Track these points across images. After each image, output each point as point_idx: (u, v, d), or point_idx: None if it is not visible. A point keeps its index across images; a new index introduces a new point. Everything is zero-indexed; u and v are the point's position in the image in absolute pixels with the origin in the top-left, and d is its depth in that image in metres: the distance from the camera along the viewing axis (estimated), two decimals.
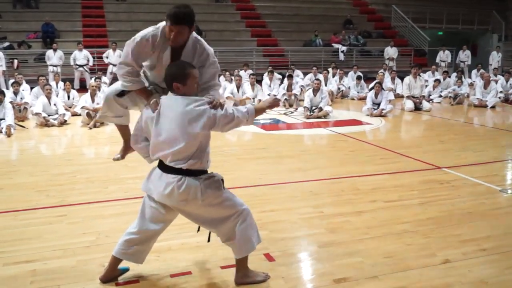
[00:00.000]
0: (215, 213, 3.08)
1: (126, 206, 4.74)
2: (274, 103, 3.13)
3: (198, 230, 3.29)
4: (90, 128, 9.13)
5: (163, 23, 3.09)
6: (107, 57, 16.09)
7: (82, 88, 14.17)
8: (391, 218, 4.50)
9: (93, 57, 15.92)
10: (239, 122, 2.97)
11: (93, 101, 9.75)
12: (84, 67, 15.50)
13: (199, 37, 3.21)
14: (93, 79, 12.57)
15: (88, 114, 9.42)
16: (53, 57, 15.10)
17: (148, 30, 3.09)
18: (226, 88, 12.83)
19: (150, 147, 3.04)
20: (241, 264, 3.22)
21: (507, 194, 5.28)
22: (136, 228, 3.13)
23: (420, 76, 12.52)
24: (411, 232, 4.16)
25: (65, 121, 9.58)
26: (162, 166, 3.00)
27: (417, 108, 11.84)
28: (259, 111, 3.09)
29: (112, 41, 16.64)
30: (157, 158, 3.02)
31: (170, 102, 2.93)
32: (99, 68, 15.59)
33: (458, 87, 13.93)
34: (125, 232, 3.19)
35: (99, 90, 10.59)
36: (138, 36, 3.06)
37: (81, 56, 15.39)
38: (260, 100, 11.29)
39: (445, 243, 3.92)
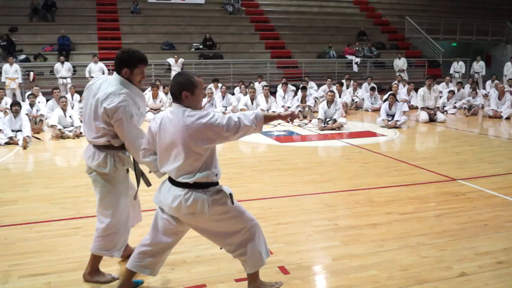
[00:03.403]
0: (223, 227, 3.06)
1: None
2: (289, 115, 3.08)
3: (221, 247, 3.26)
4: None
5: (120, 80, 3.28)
6: None
7: None
8: (406, 230, 4.46)
9: (108, 70, 16.07)
10: (247, 130, 2.90)
11: None
12: None
13: None
14: None
15: None
16: (62, 69, 15.22)
17: (121, 97, 3.20)
18: (240, 100, 12.89)
19: (158, 161, 3.04)
20: (252, 278, 3.22)
21: None
22: (149, 240, 3.13)
23: (434, 87, 12.45)
24: (427, 244, 4.13)
25: (81, 133, 9.61)
26: (171, 179, 2.99)
27: (432, 119, 11.77)
28: (269, 118, 3.05)
29: None
30: (165, 172, 3.02)
31: (173, 116, 2.91)
32: None
33: (473, 98, 13.83)
34: (138, 244, 3.19)
35: None
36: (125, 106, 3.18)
37: (97, 68, 15.56)
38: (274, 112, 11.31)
39: (461, 256, 3.89)
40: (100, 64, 15.69)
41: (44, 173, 6.89)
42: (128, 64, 3.27)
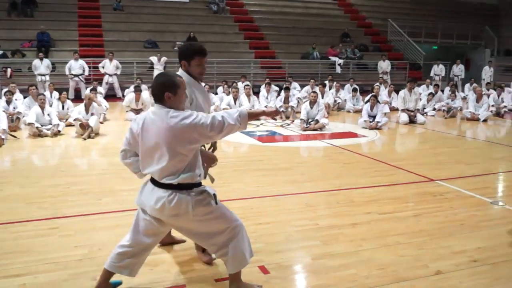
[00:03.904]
0: (207, 228, 3.06)
1: (120, 218, 4.72)
2: (272, 113, 3.07)
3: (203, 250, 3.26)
4: (84, 139, 9.03)
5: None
6: (103, 67, 16.10)
7: (77, 98, 14.16)
8: (385, 230, 4.52)
9: (89, 67, 15.93)
10: (232, 128, 2.89)
11: (87, 112, 9.73)
12: (80, 76, 15.50)
13: None
14: (88, 89, 12.56)
15: (81, 125, 9.32)
16: (40, 66, 14.99)
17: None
18: (223, 99, 12.89)
19: (140, 163, 3.01)
20: (234, 278, 3.21)
21: (498, 206, 5.32)
22: (130, 241, 3.10)
23: (415, 89, 12.61)
24: (405, 243, 4.19)
25: (59, 131, 9.50)
26: (154, 180, 2.97)
27: (412, 121, 11.91)
28: (254, 115, 3.03)
29: (108, 51, 16.68)
30: (147, 173, 3.01)
31: (155, 117, 2.88)
32: (95, 78, 15.60)
33: (452, 100, 14.03)
34: (117, 245, 3.16)
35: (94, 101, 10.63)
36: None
37: (77, 65, 15.39)
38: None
39: (438, 255, 3.95)
40: (81, 61, 15.54)
41: (20, 172, 6.73)
42: (185, 57, 3.38)
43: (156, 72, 16.25)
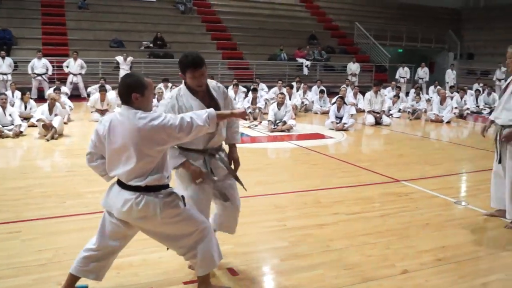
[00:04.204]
0: (175, 230, 3.02)
1: (85, 221, 4.62)
2: (241, 114, 3.10)
3: (168, 248, 3.22)
4: (48, 140, 8.80)
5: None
6: (67, 67, 15.76)
7: (40, 98, 13.81)
8: (352, 230, 4.56)
9: (53, 66, 15.57)
10: (201, 129, 2.87)
11: (50, 113, 9.49)
12: (43, 76, 15.13)
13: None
14: (51, 89, 12.26)
15: (44, 126, 9.06)
16: (2, 65, 14.58)
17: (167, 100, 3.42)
18: None
19: (106, 165, 2.95)
20: (203, 280, 3.19)
21: (461, 206, 5.45)
22: (96, 244, 3.04)
23: (381, 91, 12.83)
24: (372, 243, 4.24)
25: (21, 132, 9.22)
26: (121, 183, 2.92)
27: (378, 122, 12.11)
28: (222, 116, 3.04)
29: (73, 50, 16.35)
30: (114, 176, 2.95)
31: (122, 119, 2.83)
32: (59, 78, 15.25)
33: (416, 102, 14.33)
34: (83, 249, 3.09)
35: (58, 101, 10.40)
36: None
37: (40, 64, 15.02)
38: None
39: (404, 254, 4.02)
40: (44, 60, 15.17)
41: None
42: (180, 70, 3.29)
43: (122, 72, 16.04)
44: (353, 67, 19.79)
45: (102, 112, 11.29)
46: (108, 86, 12.63)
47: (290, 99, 13.65)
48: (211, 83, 3.47)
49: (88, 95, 13.68)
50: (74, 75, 15.78)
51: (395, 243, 4.25)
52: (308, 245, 4.17)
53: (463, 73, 23.88)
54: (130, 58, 16.71)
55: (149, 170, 2.85)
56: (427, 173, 7.01)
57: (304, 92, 15.15)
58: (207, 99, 3.34)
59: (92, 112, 11.60)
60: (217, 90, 3.45)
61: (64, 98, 11.73)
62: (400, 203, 5.50)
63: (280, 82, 14.80)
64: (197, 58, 3.27)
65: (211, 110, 2.96)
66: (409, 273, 3.66)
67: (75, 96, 15.19)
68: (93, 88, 13.76)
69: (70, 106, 11.49)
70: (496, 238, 4.52)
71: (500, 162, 4.81)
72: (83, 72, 15.93)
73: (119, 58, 16.68)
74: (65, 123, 9.98)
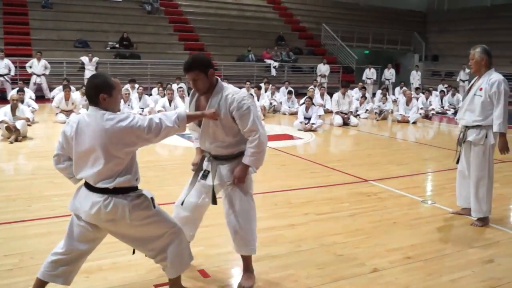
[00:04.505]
0: (145, 233, 2.99)
1: (51, 225, 4.51)
2: (210, 115, 3.11)
3: (134, 252, 3.18)
4: (11, 143, 8.56)
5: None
6: (30, 67, 15.38)
7: (2, 100, 13.41)
8: (323, 230, 4.60)
9: (15, 67, 15.17)
10: (170, 131, 2.86)
11: (13, 114, 9.21)
12: (5, 77, 14.72)
13: (227, 84, 3.34)
14: (15, 90, 11.93)
15: (8, 128, 8.79)
16: None
17: None
18: (158, 101, 12.70)
19: (73, 167, 2.90)
20: (174, 283, 3.16)
21: (428, 205, 5.56)
22: (64, 248, 2.97)
23: (348, 92, 12.98)
24: (342, 243, 4.28)
25: None
26: (88, 185, 2.87)
27: (345, 123, 12.26)
28: (192, 117, 3.07)
29: (36, 50, 15.97)
30: (81, 178, 2.90)
31: (90, 120, 2.79)
32: (21, 79, 14.82)
33: (383, 103, 14.58)
34: (51, 253, 3.02)
35: (22, 102, 10.14)
36: None
37: (2, 65, 14.63)
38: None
39: (374, 253, 4.07)
40: (6, 61, 14.79)
41: None
42: None
43: (87, 73, 15.80)
44: (323, 68, 20.01)
45: (67, 113, 11.07)
46: (72, 87, 12.38)
47: (258, 100, 13.68)
48: (227, 90, 3.25)
49: (52, 97, 13.36)
50: (38, 75, 15.42)
51: (365, 242, 4.31)
52: (280, 246, 4.18)
53: (428, 75, 24.48)
54: (95, 59, 16.43)
55: (117, 172, 2.81)
56: (395, 172, 7.13)
57: (272, 93, 15.21)
58: (204, 104, 3.27)
59: (57, 113, 11.35)
60: (222, 99, 3.21)
61: (28, 99, 11.45)
62: (368, 202, 5.58)
63: (248, 83, 14.82)
64: (186, 63, 3.23)
65: (181, 110, 2.96)
66: (379, 272, 3.72)
67: (39, 97, 14.79)
68: (57, 89, 13.49)
69: (34, 107, 11.20)
70: (463, 235, 4.63)
71: (458, 162, 4.95)
72: (47, 72, 15.59)
73: (84, 59, 16.39)
74: (28, 125, 9.73)
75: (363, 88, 16.12)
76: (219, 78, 3.33)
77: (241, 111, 3.17)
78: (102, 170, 2.77)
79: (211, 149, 3.36)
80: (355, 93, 16.26)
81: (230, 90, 3.25)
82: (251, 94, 11.62)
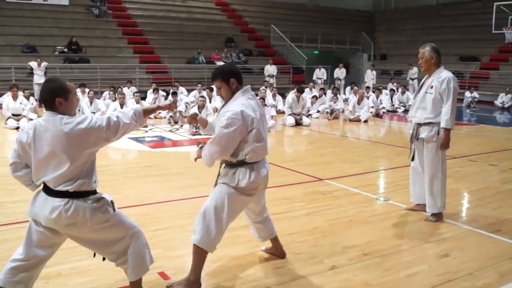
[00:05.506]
0: (105, 236, 2.96)
1: (7, 232, 4.33)
2: (167, 106, 3.28)
3: (94, 255, 3.12)
4: None
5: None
6: None
7: None
8: (279, 229, 4.58)
9: None
10: (128, 127, 2.89)
11: None
12: None
13: (240, 97, 3.50)
14: None
15: None
16: None
17: None
18: (109, 106, 12.48)
19: (33, 173, 2.86)
20: (135, 286, 3.13)
21: (382, 202, 5.72)
22: (23, 254, 2.92)
23: (302, 96, 13.12)
24: (299, 242, 4.34)
25: None
26: (47, 190, 2.83)
27: (298, 123, 12.41)
28: (149, 111, 3.10)
29: None
30: (41, 183, 2.86)
31: (47, 124, 2.77)
32: None
33: (334, 103, 14.85)
34: (10, 259, 2.95)
35: None
36: None
37: None
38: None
39: (331, 251, 4.15)
40: None
41: None
42: None
43: (36, 78, 15.38)
44: (270, 69, 20.19)
45: (17, 117, 10.75)
46: (20, 92, 11.99)
47: (210, 101, 13.64)
48: (232, 102, 3.49)
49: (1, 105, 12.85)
50: None
51: (322, 240, 4.38)
52: (238, 246, 4.21)
53: (378, 73, 25.07)
54: (44, 64, 15.93)
55: (78, 174, 2.79)
56: (348, 171, 7.28)
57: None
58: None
59: (7, 120, 11.01)
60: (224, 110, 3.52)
61: None
62: (324, 201, 5.67)
63: (199, 85, 14.75)
64: (212, 72, 3.53)
65: (138, 106, 3.01)
66: (337, 269, 3.79)
67: None
68: (6, 95, 13.00)
69: None
70: (418, 231, 4.75)
71: (413, 159, 5.10)
72: None
73: (33, 64, 15.86)
74: None
75: (322, 89, 16.32)
76: (240, 90, 3.48)
77: (220, 123, 3.49)
78: (63, 174, 2.75)
79: None
80: (306, 93, 16.48)
81: (232, 103, 3.46)
82: (203, 96, 11.62)
